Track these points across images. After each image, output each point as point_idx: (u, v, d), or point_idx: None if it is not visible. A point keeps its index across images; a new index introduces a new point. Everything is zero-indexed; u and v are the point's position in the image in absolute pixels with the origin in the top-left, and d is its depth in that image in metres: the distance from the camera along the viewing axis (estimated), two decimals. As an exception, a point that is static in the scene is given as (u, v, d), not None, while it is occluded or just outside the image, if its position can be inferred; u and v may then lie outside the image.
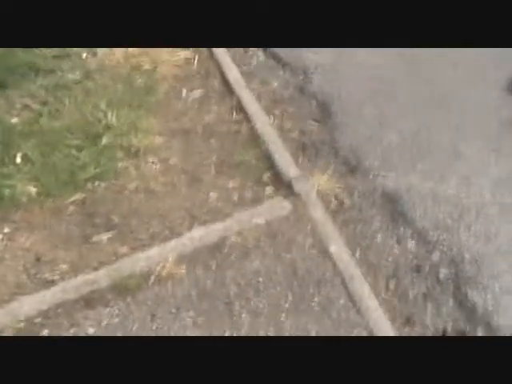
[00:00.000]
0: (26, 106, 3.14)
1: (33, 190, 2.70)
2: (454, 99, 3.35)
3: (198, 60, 3.54)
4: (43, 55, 3.46)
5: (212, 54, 3.57)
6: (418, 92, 3.39)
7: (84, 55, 3.51)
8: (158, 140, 2.91)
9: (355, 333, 2.19)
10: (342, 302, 2.29)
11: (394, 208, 2.63)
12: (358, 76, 3.51)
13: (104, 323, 2.23)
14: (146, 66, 3.43)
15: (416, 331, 2.22)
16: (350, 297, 2.30)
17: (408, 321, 2.26)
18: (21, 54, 3.43)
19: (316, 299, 2.29)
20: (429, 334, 2.21)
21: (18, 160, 2.83)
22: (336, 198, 2.67)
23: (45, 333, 2.21)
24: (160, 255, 2.42)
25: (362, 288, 2.32)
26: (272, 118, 3.10)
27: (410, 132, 3.06)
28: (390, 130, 3.06)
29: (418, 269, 2.43)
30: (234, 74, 3.42)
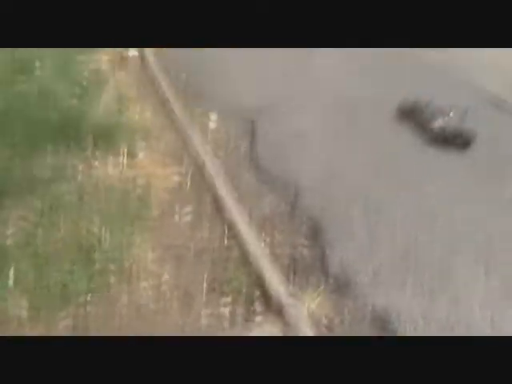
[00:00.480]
0: (22, 218, 3.17)
1: (24, 303, 2.69)
2: (442, 212, 3.46)
3: (191, 176, 3.64)
4: (40, 167, 3.54)
5: (204, 172, 3.66)
6: (407, 205, 3.49)
7: (80, 167, 3.58)
8: (151, 256, 2.93)
9: None
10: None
11: (385, 327, 2.63)
12: (348, 193, 3.61)
13: None
14: (140, 182, 3.51)
15: None
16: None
17: None
18: (18, 167, 3.51)
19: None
20: None
21: (11, 273, 2.83)
22: (326, 317, 2.67)
23: None
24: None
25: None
26: (263, 236, 3.14)
27: (401, 247, 3.12)
28: (380, 246, 3.12)
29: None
30: (225, 189, 3.50)
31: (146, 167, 3.64)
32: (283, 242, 3.14)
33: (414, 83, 5.26)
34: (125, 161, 3.67)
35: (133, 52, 5.94)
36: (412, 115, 4.61)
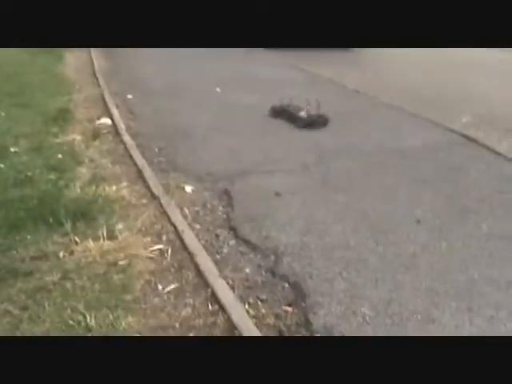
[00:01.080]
0: (5, 312, 3.18)
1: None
2: (421, 259, 3.54)
3: (171, 252, 3.67)
4: (21, 258, 3.56)
5: (185, 245, 3.71)
6: (386, 257, 3.57)
7: (61, 254, 3.61)
8: (138, 339, 2.95)
9: None
10: None
11: None
12: (326, 251, 3.68)
13: None
14: (122, 262, 3.54)
15: None
16: None
17: None
18: None
19: None
20: None
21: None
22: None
23: None
24: None
25: None
26: (247, 305, 3.18)
27: (383, 301, 3.18)
28: (362, 303, 3.17)
29: None
30: (207, 263, 3.53)
31: (126, 246, 3.67)
32: (267, 310, 3.18)
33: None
34: (105, 241, 3.70)
35: (105, 120, 6.08)
36: (282, 113, 6.80)
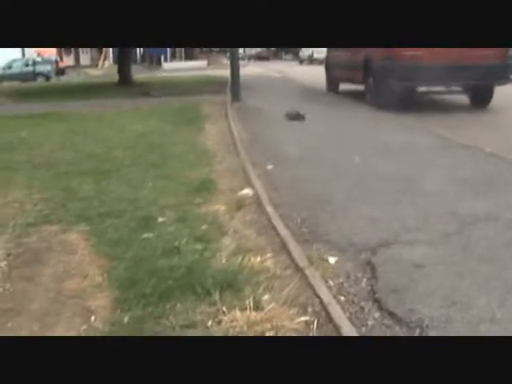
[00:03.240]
0: None
1: None
2: None
3: (317, 324, 3.67)
4: (171, 325, 3.65)
5: (330, 318, 3.69)
6: None
7: (209, 323, 3.68)
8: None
9: None
10: None
11: None
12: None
13: None
14: (268, 333, 3.57)
15: None
16: None
17: None
18: (151, 316, 3.68)
19: None
20: None
21: None
22: None
23: None
24: None
25: None
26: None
27: None
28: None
29: None
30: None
31: (272, 317, 3.70)
32: None
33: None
34: (251, 312, 3.75)
35: (247, 191, 6.25)
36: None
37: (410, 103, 13.64)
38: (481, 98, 14.37)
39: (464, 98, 14.75)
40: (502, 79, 13.80)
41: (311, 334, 3.57)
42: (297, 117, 12.04)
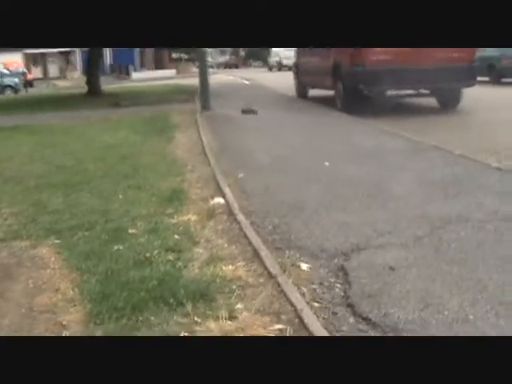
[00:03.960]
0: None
1: None
2: None
3: (291, 331, 3.66)
4: (146, 326, 3.64)
5: (304, 325, 3.67)
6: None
7: (183, 334, 3.65)
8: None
9: None
10: None
11: None
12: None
13: None
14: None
15: None
16: None
17: None
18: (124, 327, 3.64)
19: None
20: None
21: None
22: None
23: None
24: None
25: None
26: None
27: None
28: None
29: None
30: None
31: (246, 326, 3.69)
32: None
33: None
34: (225, 321, 3.74)
35: (218, 200, 6.24)
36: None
37: (380, 107, 13.74)
38: (449, 101, 14.53)
39: (433, 101, 14.90)
40: (470, 81, 13.95)
41: (285, 342, 3.56)
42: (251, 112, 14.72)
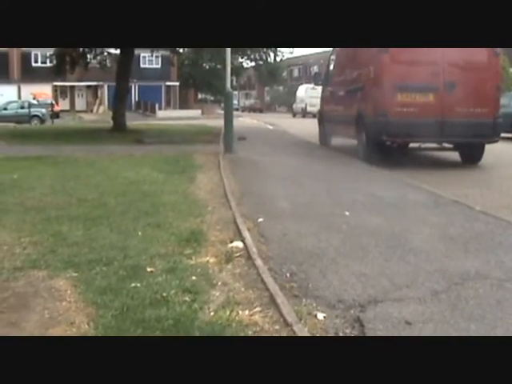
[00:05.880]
0: None
1: None
2: None
3: None
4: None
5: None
6: None
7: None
8: None
9: None
10: None
11: None
12: None
13: None
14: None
15: None
16: None
17: None
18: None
19: None
20: None
21: None
22: None
23: None
24: None
25: None
26: None
27: None
28: None
29: None
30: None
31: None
32: None
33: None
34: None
35: (237, 243, 6.24)
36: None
37: (402, 159, 13.75)
38: (472, 155, 14.53)
39: (455, 155, 14.90)
40: (493, 137, 13.95)
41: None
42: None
